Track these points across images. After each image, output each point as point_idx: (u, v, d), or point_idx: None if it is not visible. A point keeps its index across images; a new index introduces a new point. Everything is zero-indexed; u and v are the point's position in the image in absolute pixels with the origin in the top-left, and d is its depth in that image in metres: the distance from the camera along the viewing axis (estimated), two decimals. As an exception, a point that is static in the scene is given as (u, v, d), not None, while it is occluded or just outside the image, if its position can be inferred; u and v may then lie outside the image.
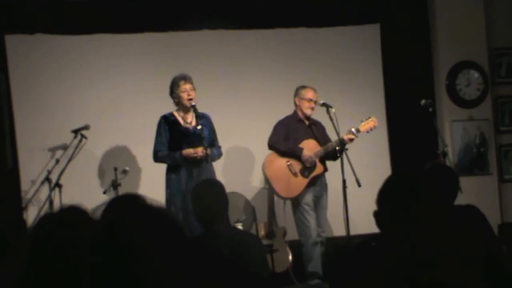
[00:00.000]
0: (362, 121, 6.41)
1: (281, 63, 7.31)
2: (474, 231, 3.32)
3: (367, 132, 6.41)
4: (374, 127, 6.43)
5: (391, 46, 7.51)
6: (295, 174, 6.41)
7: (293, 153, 6.38)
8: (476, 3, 7.52)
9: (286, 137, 6.46)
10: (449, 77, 7.51)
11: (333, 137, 6.37)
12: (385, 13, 7.51)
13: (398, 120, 7.46)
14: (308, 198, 6.40)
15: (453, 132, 7.46)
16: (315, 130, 6.47)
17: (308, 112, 6.44)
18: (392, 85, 7.52)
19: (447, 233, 2.87)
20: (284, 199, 6.62)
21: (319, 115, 6.48)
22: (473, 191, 6.74)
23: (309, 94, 6.44)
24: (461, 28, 7.48)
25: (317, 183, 6.44)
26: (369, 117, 6.45)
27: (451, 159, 6.95)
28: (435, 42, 7.57)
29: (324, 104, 6.32)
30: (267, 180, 6.58)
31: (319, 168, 6.41)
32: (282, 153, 6.42)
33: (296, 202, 6.45)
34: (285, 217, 7.00)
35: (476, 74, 7.53)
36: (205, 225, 3.72)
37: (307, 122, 6.49)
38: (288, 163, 6.40)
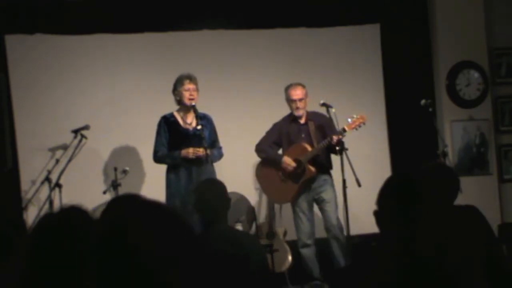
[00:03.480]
0: (349, 119, 6.22)
1: (281, 63, 7.30)
2: (473, 231, 3.32)
3: (356, 129, 6.30)
4: (363, 123, 6.25)
5: (391, 46, 7.51)
6: (284, 181, 6.39)
7: (274, 161, 6.39)
8: (476, 3, 7.52)
9: (277, 141, 6.46)
10: (449, 77, 7.51)
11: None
12: (385, 13, 7.51)
13: (398, 120, 7.46)
14: (302, 203, 6.37)
15: (453, 132, 7.46)
16: (311, 128, 6.36)
17: (295, 113, 6.39)
18: (392, 85, 7.51)
19: (446, 233, 2.87)
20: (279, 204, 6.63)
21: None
22: (473, 191, 6.74)
23: (291, 94, 6.37)
24: (461, 28, 7.48)
25: (312, 186, 6.37)
26: (357, 115, 6.24)
27: (451, 159, 6.95)
28: (435, 42, 7.57)
29: (324, 104, 6.30)
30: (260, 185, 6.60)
31: (309, 172, 6.32)
32: (264, 160, 6.46)
33: (293, 206, 6.44)
34: (282, 218, 7.00)
35: (476, 74, 7.53)
36: (206, 224, 3.76)
37: (302, 121, 6.42)
38: (278, 170, 6.39)
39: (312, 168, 6.33)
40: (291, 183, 6.37)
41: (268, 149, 6.46)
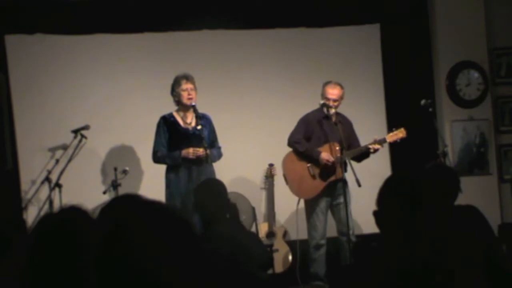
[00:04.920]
0: (392, 130, 6.32)
1: (281, 63, 7.30)
2: (473, 231, 3.32)
3: (395, 142, 6.34)
4: (402, 138, 6.31)
5: (391, 46, 7.51)
6: (313, 177, 6.32)
7: (311, 155, 6.29)
8: (476, 3, 7.52)
9: (306, 135, 6.37)
10: (449, 77, 7.51)
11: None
12: (385, 13, 7.51)
13: (398, 120, 7.45)
14: (322, 203, 6.33)
15: (453, 132, 7.46)
16: (341, 129, 6.20)
17: (326, 111, 6.30)
18: (392, 85, 7.51)
19: (447, 233, 2.87)
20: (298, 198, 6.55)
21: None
22: (473, 191, 6.73)
23: (327, 92, 6.30)
24: (461, 28, 7.48)
25: (335, 187, 6.32)
26: (399, 128, 6.33)
27: (451, 159, 6.95)
28: (435, 42, 7.57)
29: (324, 105, 6.30)
30: (283, 176, 6.53)
31: (338, 173, 6.27)
32: (301, 153, 6.35)
33: (310, 204, 6.38)
34: (285, 217, 7.00)
35: (476, 74, 7.52)
36: (205, 224, 3.76)
37: (334, 119, 6.28)
38: (308, 164, 6.31)
39: (341, 171, 6.26)
40: (319, 180, 6.30)
41: (305, 142, 6.34)
